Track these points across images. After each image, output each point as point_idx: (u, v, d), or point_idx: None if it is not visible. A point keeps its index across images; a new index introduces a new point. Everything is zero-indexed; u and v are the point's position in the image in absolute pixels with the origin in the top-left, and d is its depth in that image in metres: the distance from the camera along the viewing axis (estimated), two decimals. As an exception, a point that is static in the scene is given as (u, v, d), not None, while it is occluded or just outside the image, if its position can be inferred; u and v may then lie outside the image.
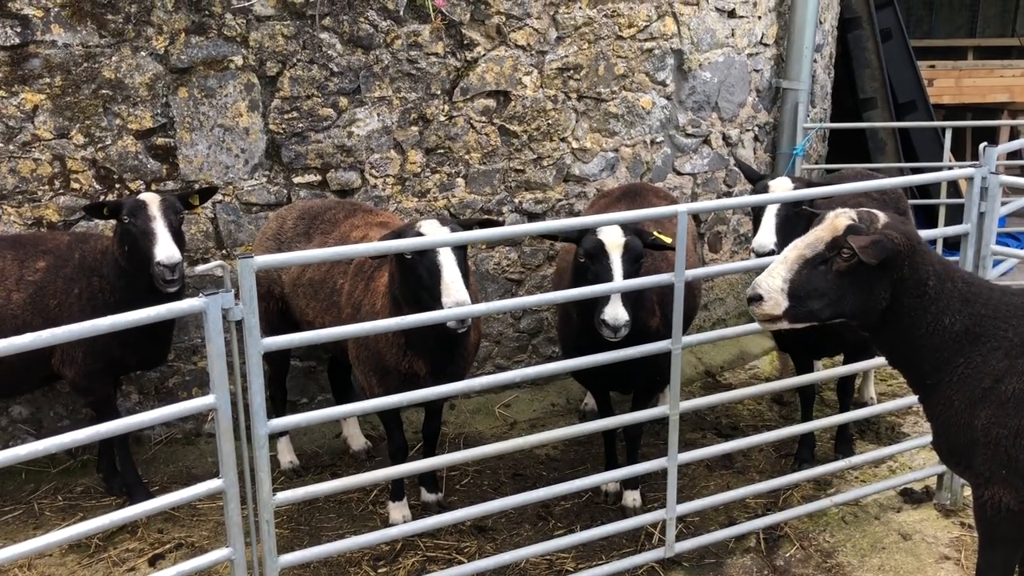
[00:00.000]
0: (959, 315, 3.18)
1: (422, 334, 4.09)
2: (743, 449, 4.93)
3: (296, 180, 5.45)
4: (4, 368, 4.39)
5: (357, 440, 5.55)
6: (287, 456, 5.36)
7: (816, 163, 8.33)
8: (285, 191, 5.45)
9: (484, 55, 5.61)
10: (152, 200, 4.38)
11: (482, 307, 3.96)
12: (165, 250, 4.24)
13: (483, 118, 5.71)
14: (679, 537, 4.37)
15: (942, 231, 4.70)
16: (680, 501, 4.28)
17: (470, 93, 5.64)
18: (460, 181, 5.75)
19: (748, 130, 6.94)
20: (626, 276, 4.01)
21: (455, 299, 3.77)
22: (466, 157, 5.73)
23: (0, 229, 5.03)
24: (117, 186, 5.19)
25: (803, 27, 6.88)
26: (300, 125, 5.36)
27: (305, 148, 5.41)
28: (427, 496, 4.92)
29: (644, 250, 4.18)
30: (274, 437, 5.28)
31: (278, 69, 5.26)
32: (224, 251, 5.43)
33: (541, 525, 4.80)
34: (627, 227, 4.15)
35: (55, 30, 4.90)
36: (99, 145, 5.11)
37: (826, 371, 5.14)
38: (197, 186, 5.21)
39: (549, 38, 5.76)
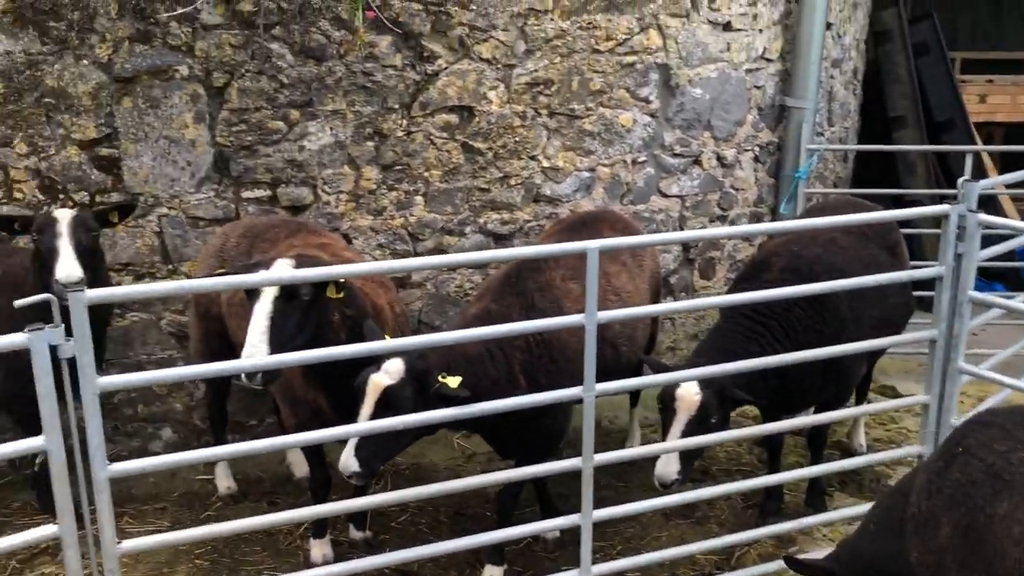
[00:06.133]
0: None
1: (315, 368, 3.81)
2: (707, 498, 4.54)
3: (245, 195, 5.24)
4: None
5: (301, 467, 5.30)
6: (224, 482, 5.14)
7: (834, 186, 7.82)
8: (233, 206, 5.24)
9: (446, 68, 5.32)
10: (63, 217, 4.20)
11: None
12: (64, 268, 4.06)
13: (444, 134, 5.42)
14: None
15: (908, 274, 4.20)
16: (626, 553, 4.05)
17: (430, 108, 5.35)
18: (419, 199, 5.47)
19: (747, 150, 6.50)
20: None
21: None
22: (426, 174, 5.44)
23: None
24: (61, 196, 5.06)
25: (809, 41, 6.39)
26: (249, 138, 5.16)
27: (254, 162, 5.20)
28: (355, 534, 4.66)
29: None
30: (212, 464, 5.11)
31: (225, 80, 5.06)
32: (171, 266, 5.25)
33: (469, 572, 4.49)
34: (414, 367, 3.56)
35: (-5, 37, 4.80)
36: (42, 155, 4.99)
37: (790, 420, 4.67)
38: (143, 200, 5.09)
39: (517, 51, 5.44)
